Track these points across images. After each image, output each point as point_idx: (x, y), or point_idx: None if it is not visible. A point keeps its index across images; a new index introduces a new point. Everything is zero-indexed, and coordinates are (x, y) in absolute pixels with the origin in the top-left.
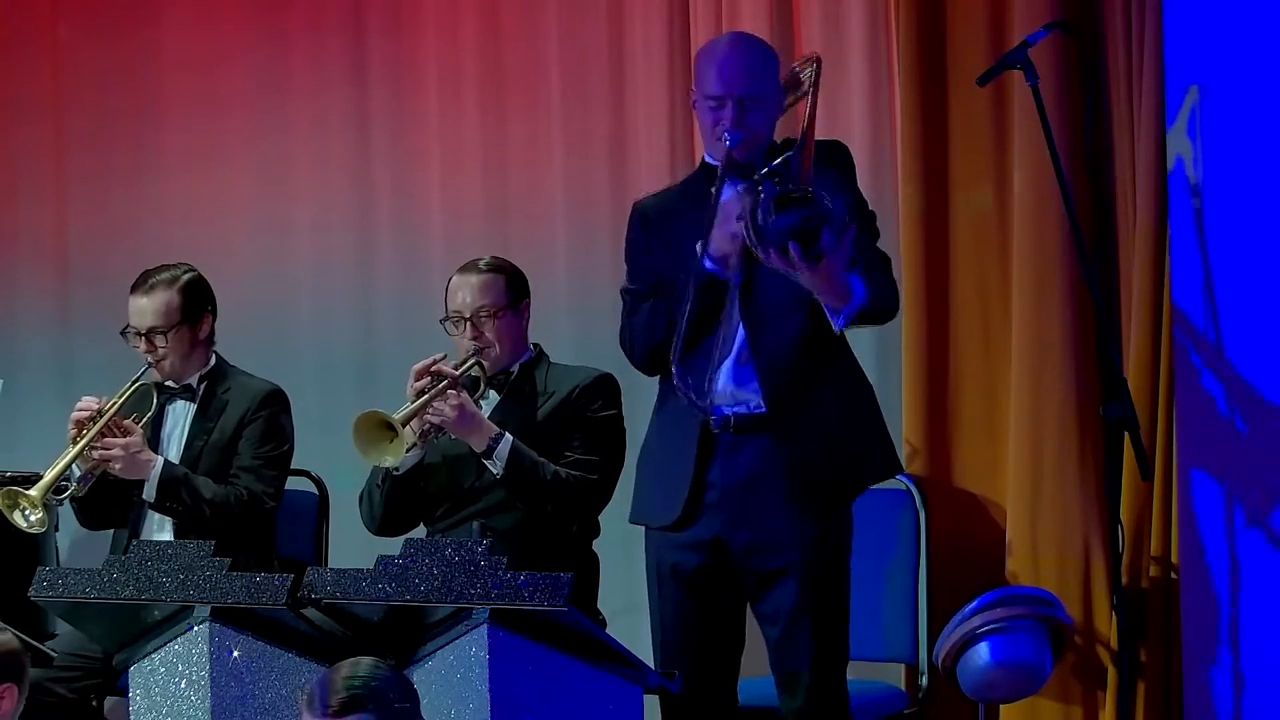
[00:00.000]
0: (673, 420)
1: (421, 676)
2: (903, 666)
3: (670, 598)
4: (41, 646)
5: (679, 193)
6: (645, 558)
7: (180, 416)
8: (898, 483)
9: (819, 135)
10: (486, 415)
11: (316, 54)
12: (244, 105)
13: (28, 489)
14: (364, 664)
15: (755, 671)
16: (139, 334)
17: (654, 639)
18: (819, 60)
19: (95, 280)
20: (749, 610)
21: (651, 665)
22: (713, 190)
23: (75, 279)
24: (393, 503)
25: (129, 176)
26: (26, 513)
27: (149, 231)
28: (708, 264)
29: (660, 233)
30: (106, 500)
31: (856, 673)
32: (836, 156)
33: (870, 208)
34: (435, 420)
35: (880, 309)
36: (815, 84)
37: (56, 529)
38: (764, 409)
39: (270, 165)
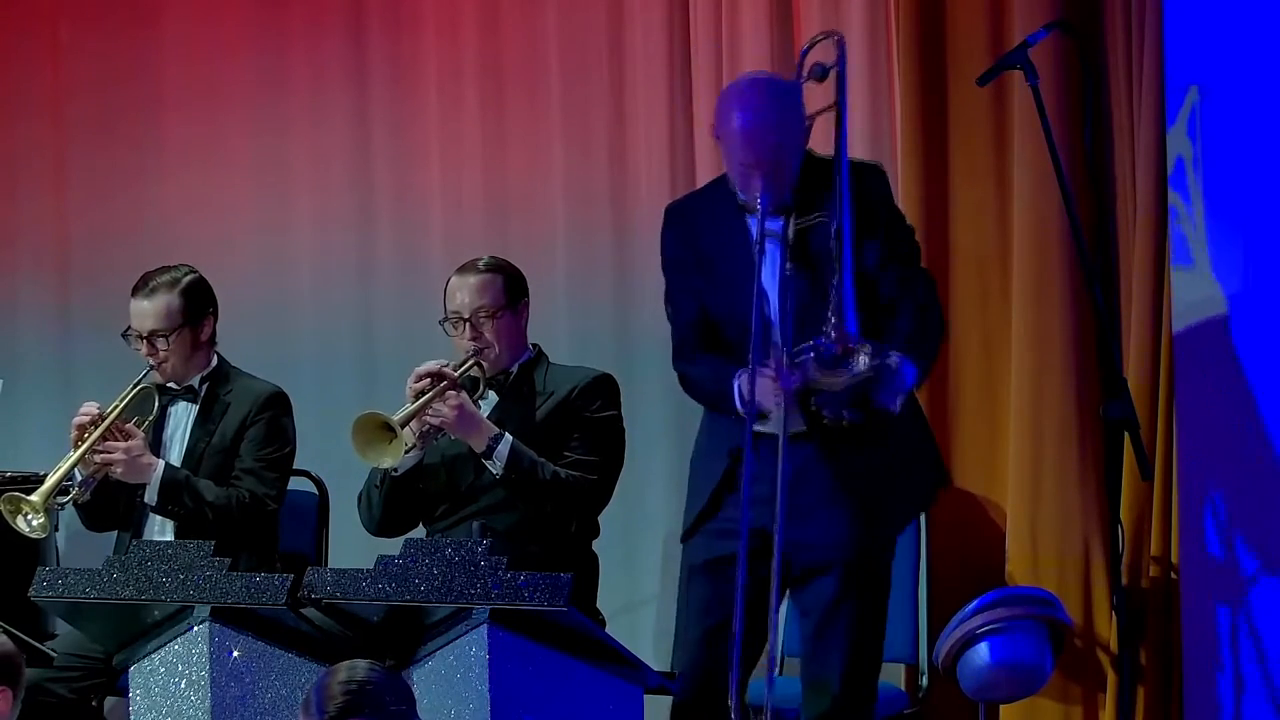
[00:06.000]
0: (715, 429)
1: (421, 676)
2: (903, 666)
3: (699, 589)
4: (41, 646)
5: (709, 201)
6: (680, 571)
7: (182, 419)
8: None
9: (833, 141)
10: (485, 415)
11: (316, 52)
12: (244, 103)
13: (29, 494)
14: (360, 667)
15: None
16: (140, 337)
17: (676, 637)
18: (841, 41)
19: (95, 280)
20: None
21: (654, 665)
22: (752, 230)
23: (75, 279)
24: (391, 503)
25: (129, 175)
26: (29, 518)
27: (149, 230)
28: (752, 422)
29: (697, 255)
30: (111, 503)
31: None
32: (871, 182)
33: (908, 222)
34: (435, 421)
35: (932, 361)
36: (841, 81)
37: (56, 529)
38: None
39: (270, 163)
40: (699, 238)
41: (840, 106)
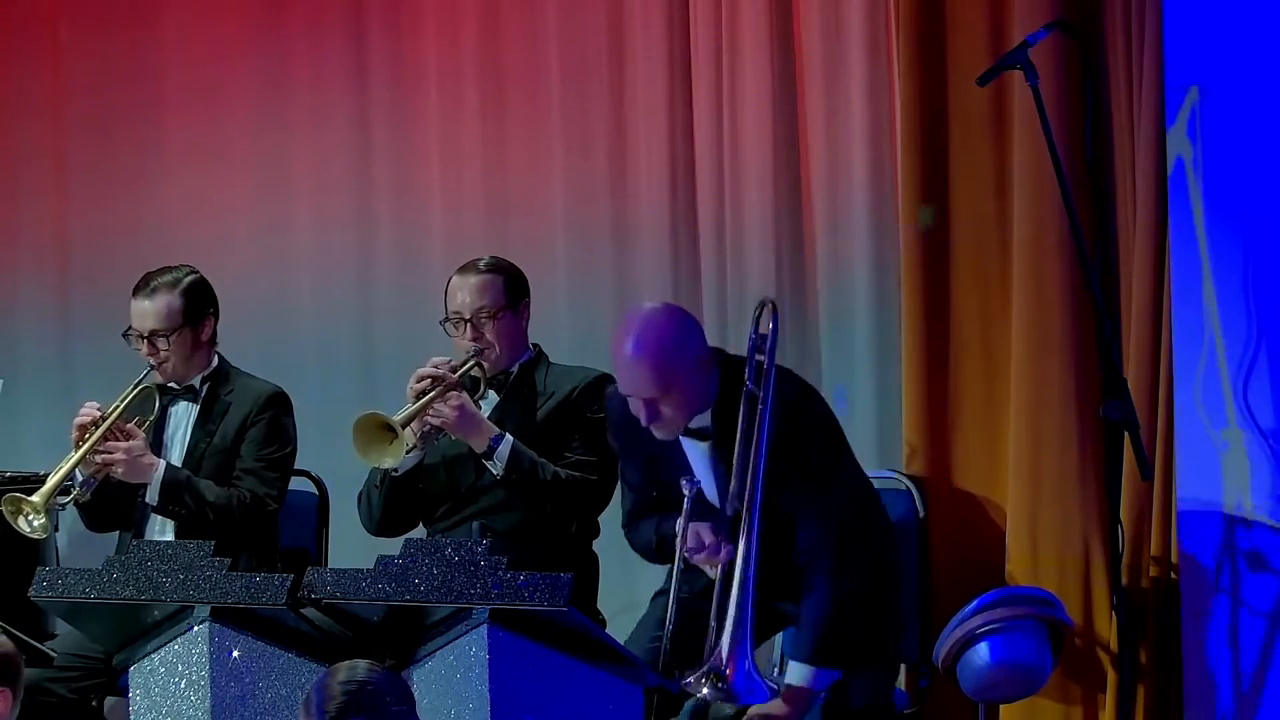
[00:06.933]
0: None
1: (421, 676)
2: (903, 666)
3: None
4: (41, 646)
5: None
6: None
7: (183, 419)
8: (898, 482)
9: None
10: (485, 415)
11: (317, 53)
12: (244, 103)
13: (30, 495)
14: (360, 668)
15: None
16: (141, 337)
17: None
18: (774, 310)
19: (95, 280)
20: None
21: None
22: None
23: (75, 279)
24: (391, 504)
25: (129, 175)
26: (30, 518)
27: (149, 230)
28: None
29: (638, 450)
30: (112, 503)
31: None
32: (794, 420)
33: (838, 432)
34: (436, 422)
35: (848, 636)
36: (770, 352)
37: (56, 529)
38: None
39: (270, 163)
40: (635, 435)
41: (767, 375)
